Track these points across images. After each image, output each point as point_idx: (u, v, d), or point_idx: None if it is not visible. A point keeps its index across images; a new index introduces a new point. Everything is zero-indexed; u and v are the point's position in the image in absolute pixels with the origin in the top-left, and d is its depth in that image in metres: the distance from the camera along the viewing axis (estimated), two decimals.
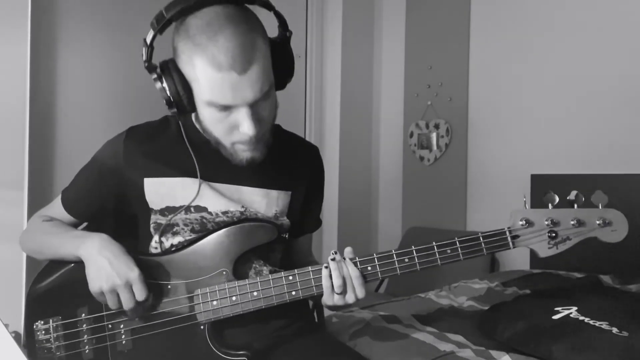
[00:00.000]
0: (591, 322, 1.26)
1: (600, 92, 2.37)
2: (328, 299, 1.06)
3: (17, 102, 2.07)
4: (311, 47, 3.19)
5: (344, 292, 1.05)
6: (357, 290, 1.05)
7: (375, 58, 3.37)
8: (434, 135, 3.04)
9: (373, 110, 3.37)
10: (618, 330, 1.20)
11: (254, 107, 1.00)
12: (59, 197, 1.21)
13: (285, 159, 1.20)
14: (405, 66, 3.23)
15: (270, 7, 1.04)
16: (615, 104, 2.33)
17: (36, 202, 2.08)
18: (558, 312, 1.34)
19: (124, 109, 2.37)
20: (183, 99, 1.01)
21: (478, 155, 2.87)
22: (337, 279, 1.04)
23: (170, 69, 1.01)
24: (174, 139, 1.15)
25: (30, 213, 2.04)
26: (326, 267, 1.05)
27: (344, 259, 1.06)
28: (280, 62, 1.05)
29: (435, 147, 3.04)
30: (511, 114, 2.71)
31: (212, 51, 0.94)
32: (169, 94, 1.01)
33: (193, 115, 1.15)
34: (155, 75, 1.02)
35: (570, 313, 1.33)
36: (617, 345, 1.15)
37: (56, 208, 1.21)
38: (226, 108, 1.00)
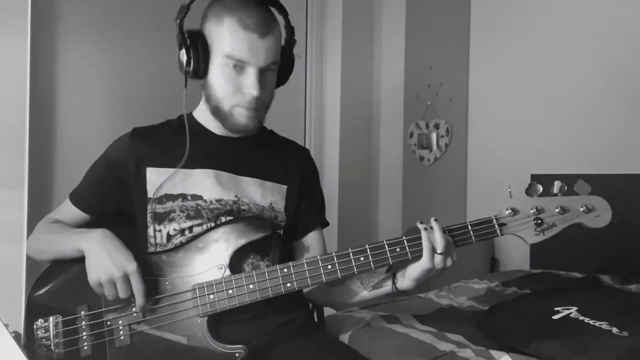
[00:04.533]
0: (591, 322, 1.26)
1: (601, 92, 2.37)
2: (428, 262, 1.06)
3: (17, 102, 2.06)
4: (311, 47, 3.19)
5: (446, 254, 1.06)
6: (453, 255, 1.07)
7: (375, 58, 3.36)
8: (434, 135, 3.04)
9: (373, 110, 3.37)
10: (618, 330, 1.20)
11: (262, 73, 1.14)
12: (67, 199, 1.26)
13: (279, 157, 1.28)
14: (405, 66, 3.23)
15: (285, 13, 1.21)
16: (616, 104, 2.33)
17: (36, 202, 2.08)
18: (558, 312, 1.34)
19: (124, 109, 2.37)
20: (201, 63, 1.14)
21: (478, 155, 2.87)
22: (441, 239, 1.05)
23: (197, 37, 1.14)
24: (175, 134, 1.22)
25: (30, 213, 2.04)
26: (425, 229, 1.06)
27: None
28: (285, 64, 1.22)
29: (435, 147, 3.04)
30: (511, 114, 2.71)
31: (240, 14, 1.11)
32: (191, 56, 1.13)
33: (194, 111, 1.26)
34: (183, 40, 1.13)
35: (570, 313, 1.33)
36: (617, 345, 1.15)
37: (63, 210, 1.26)
38: (239, 67, 1.13)
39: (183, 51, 1.14)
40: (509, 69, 2.72)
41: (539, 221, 1.10)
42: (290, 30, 1.24)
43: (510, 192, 1.13)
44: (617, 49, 2.32)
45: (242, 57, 1.12)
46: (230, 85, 1.14)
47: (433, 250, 1.06)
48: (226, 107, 1.16)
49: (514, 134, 2.69)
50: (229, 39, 1.12)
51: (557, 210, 1.11)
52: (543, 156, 2.55)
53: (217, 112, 1.17)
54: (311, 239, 1.30)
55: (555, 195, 1.12)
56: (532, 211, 1.11)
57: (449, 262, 1.08)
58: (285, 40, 1.23)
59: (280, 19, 1.21)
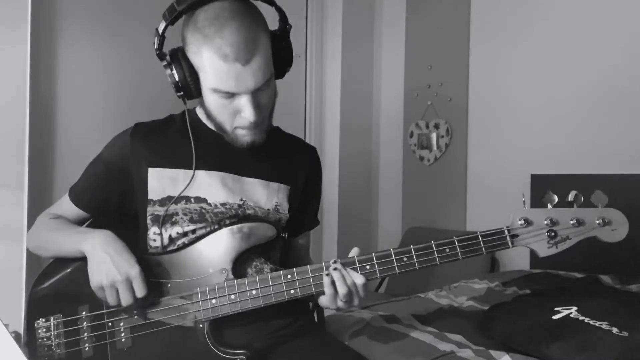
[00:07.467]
0: (591, 322, 1.26)
1: (600, 92, 2.37)
2: (331, 304, 1.07)
3: (17, 102, 2.06)
4: (311, 47, 3.19)
5: (349, 301, 1.06)
6: (361, 295, 1.06)
7: (375, 58, 3.36)
8: (434, 135, 3.04)
9: (373, 110, 3.37)
10: (618, 330, 1.20)
11: (255, 95, 1.07)
12: (67, 194, 1.23)
13: (285, 156, 1.25)
14: (405, 66, 3.22)
15: (271, 3, 1.11)
16: (615, 104, 2.33)
17: (36, 202, 2.08)
18: (558, 312, 1.34)
19: (124, 109, 2.37)
20: (190, 85, 1.08)
21: (478, 155, 2.87)
22: (342, 288, 1.04)
23: (179, 57, 1.07)
24: (178, 133, 1.19)
25: (30, 213, 2.04)
26: (327, 275, 1.05)
27: (345, 269, 1.06)
28: (280, 53, 1.11)
29: (435, 147, 3.04)
30: (511, 114, 2.71)
31: (218, 43, 1.01)
32: (177, 79, 1.08)
33: (197, 108, 1.21)
34: (165, 62, 1.08)
35: (570, 313, 1.33)
36: (617, 345, 1.15)
37: (63, 205, 1.23)
38: (230, 95, 1.06)
39: (170, 71, 1.08)
40: (509, 69, 2.72)
41: (553, 233, 1.07)
42: (281, 15, 1.12)
43: (524, 201, 1.09)
44: (617, 48, 2.32)
45: (229, 89, 1.05)
46: (225, 111, 1.09)
47: (335, 294, 1.05)
48: (229, 129, 1.11)
49: (514, 134, 2.69)
50: (211, 73, 1.04)
51: (571, 222, 1.07)
52: (543, 156, 2.55)
53: (221, 129, 1.13)
54: (302, 237, 1.31)
55: (571, 203, 1.08)
56: (545, 222, 1.07)
57: (354, 302, 1.07)
58: (278, 29, 1.12)
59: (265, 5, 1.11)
